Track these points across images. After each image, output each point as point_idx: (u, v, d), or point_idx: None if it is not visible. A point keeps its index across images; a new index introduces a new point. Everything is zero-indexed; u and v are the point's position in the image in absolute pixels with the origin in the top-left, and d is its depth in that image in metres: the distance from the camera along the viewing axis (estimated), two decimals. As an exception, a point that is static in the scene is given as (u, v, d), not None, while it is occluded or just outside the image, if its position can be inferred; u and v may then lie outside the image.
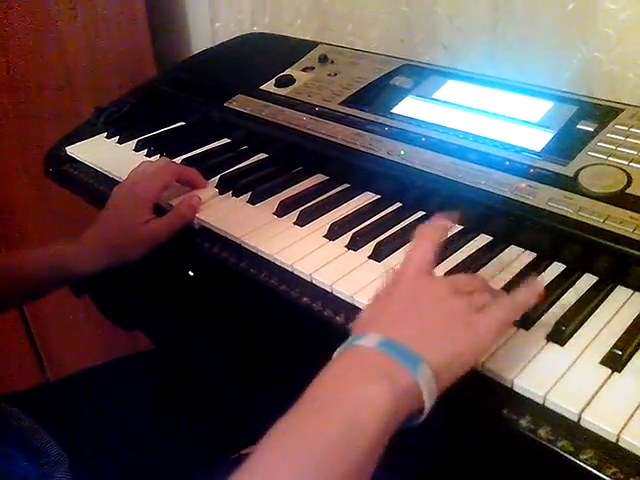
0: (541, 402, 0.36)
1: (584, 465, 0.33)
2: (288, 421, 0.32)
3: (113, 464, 0.57)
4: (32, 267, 0.58)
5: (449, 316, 0.36)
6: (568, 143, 0.53)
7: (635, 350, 0.39)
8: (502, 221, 0.50)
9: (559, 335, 0.40)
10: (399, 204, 0.56)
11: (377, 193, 0.58)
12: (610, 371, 0.37)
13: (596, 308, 0.43)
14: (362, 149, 0.59)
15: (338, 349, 0.35)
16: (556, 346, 0.40)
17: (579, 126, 0.54)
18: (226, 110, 0.71)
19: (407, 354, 0.33)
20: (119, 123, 0.77)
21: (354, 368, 0.34)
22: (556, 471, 0.36)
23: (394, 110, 0.63)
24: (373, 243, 0.50)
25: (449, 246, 0.49)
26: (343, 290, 0.46)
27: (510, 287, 0.44)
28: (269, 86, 0.72)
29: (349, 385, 0.33)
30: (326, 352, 0.51)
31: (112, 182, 0.64)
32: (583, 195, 0.47)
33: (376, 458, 0.31)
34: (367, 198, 0.58)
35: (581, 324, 0.41)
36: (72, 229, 0.61)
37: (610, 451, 0.34)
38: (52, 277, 0.59)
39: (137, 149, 0.72)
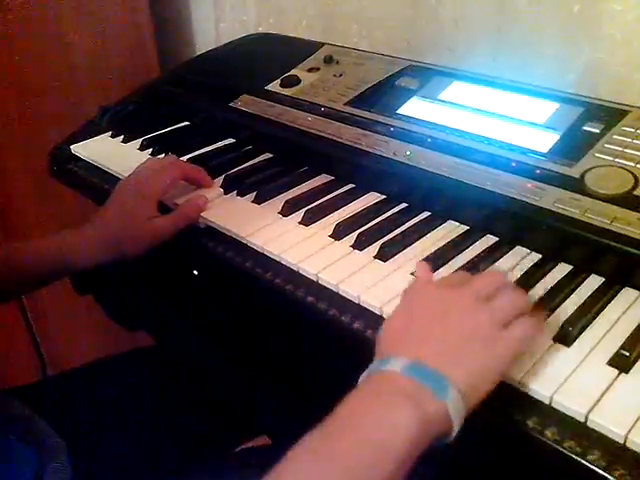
0: (548, 402, 0.36)
1: (591, 466, 0.33)
2: (312, 443, 0.32)
3: (112, 458, 0.57)
4: (31, 258, 0.58)
5: (474, 332, 0.36)
6: (574, 144, 0.53)
7: (642, 351, 0.39)
8: (508, 222, 0.50)
9: (566, 336, 0.40)
10: (405, 204, 0.56)
11: (383, 193, 0.58)
12: (617, 372, 0.37)
13: (603, 309, 0.43)
14: (368, 149, 0.59)
15: (365, 373, 0.35)
16: (563, 347, 0.40)
17: (585, 128, 0.54)
18: (231, 110, 0.71)
19: (435, 378, 0.33)
20: (124, 122, 0.77)
21: (381, 393, 0.33)
22: (563, 472, 0.35)
23: (400, 111, 0.63)
24: (378, 243, 0.50)
25: (455, 247, 0.50)
26: (348, 290, 0.46)
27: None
28: (274, 86, 0.72)
29: (376, 410, 0.33)
30: (330, 352, 0.51)
31: (117, 181, 0.64)
32: (590, 196, 0.47)
33: None
34: (373, 198, 0.58)
35: (588, 325, 0.41)
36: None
37: (618, 452, 0.33)
38: (51, 269, 0.59)
39: (142, 148, 0.72)
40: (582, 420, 0.35)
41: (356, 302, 0.45)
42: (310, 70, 0.74)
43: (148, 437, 0.60)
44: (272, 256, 0.51)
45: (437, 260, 0.48)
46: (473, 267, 0.47)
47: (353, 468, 0.31)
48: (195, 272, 0.60)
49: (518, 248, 0.50)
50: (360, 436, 0.32)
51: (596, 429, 0.34)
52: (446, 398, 0.33)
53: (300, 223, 0.55)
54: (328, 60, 0.74)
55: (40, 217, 1.02)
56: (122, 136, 0.75)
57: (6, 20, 0.90)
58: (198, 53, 1.04)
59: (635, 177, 0.48)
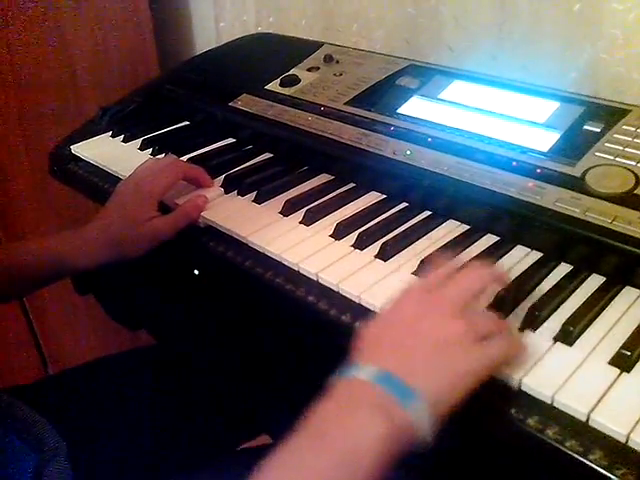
0: (549, 402, 0.36)
1: (593, 465, 0.33)
2: (282, 456, 0.32)
3: (112, 458, 0.57)
4: (32, 259, 0.58)
5: (448, 342, 0.36)
6: (575, 144, 0.53)
7: (644, 350, 0.39)
8: (509, 221, 0.50)
9: (567, 336, 0.40)
10: (405, 204, 0.56)
11: (383, 193, 0.58)
12: (619, 371, 0.37)
13: (604, 309, 0.43)
14: (368, 149, 0.59)
15: (336, 376, 0.35)
16: (564, 346, 0.40)
17: (586, 127, 0.54)
18: (231, 110, 0.71)
19: (401, 388, 0.33)
20: (124, 122, 0.77)
21: (349, 401, 0.34)
22: (564, 472, 0.35)
23: (400, 110, 0.63)
24: (379, 243, 0.50)
25: (456, 246, 0.49)
26: (349, 289, 0.46)
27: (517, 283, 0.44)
28: (274, 86, 0.72)
29: (344, 418, 0.33)
30: (331, 352, 0.51)
31: (117, 181, 0.64)
32: (591, 195, 0.47)
33: None
34: (373, 198, 0.58)
35: (589, 325, 0.41)
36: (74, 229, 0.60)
37: (619, 451, 0.33)
38: (52, 269, 0.58)
39: (142, 148, 0.72)
40: (584, 419, 0.35)
41: (357, 302, 0.45)
42: (310, 69, 0.74)
43: (149, 437, 0.60)
44: (272, 256, 0.51)
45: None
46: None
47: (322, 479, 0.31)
48: (196, 272, 0.59)
49: (519, 247, 0.50)
50: (328, 448, 0.32)
51: (598, 428, 0.34)
52: (411, 409, 0.33)
53: (300, 223, 0.55)
54: (328, 59, 0.74)
55: (40, 217, 1.02)
56: (122, 136, 0.75)
57: (6, 19, 0.90)
58: (198, 52, 1.04)
59: (636, 176, 0.48)
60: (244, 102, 0.71)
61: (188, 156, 0.68)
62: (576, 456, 0.34)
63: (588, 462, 0.33)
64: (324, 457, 0.31)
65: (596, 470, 0.33)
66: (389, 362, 0.35)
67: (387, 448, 0.32)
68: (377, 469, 0.31)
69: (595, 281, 0.45)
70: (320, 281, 0.48)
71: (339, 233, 0.52)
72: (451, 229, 0.52)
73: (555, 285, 0.45)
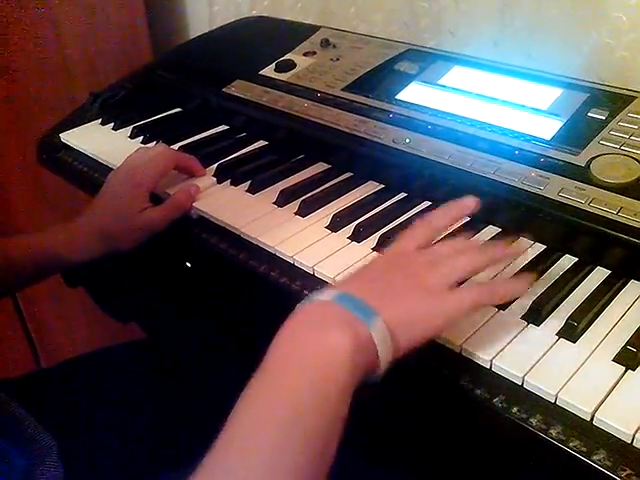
0: (553, 401, 0.35)
1: (597, 466, 0.32)
2: (253, 391, 0.32)
3: (105, 452, 0.56)
4: (24, 254, 0.57)
5: (416, 285, 0.37)
6: (579, 131, 0.51)
7: (650, 347, 0.37)
8: (511, 212, 0.49)
9: (571, 331, 0.39)
10: (404, 194, 0.55)
11: (381, 182, 0.57)
12: (624, 369, 0.36)
13: (609, 303, 0.41)
14: (366, 136, 0.57)
15: (298, 305, 0.36)
16: (568, 343, 0.38)
17: (590, 114, 0.52)
18: (224, 96, 0.69)
19: (362, 306, 0.34)
20: (114, 109, 0.75)
21: (312, 320, 0.35)
22: (568, 472, 0.34)
23: (399, 96, 0.61)
24: (377, 234, 0.49)
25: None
26: (346, 283, 0.45)
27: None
28: (269, 71, 0.70)
29: (309, 337, 0.33)
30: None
31: (107, 170, 0.62)
32: (595, 185, 0.46)
33: (344, 411, 0.32)
34: (371, 188, 0.56)
35: (593, 320, 0.40)
36: (67, 219, 0.59)
37: (624, 451, 0.32)
38: (44, 264, 0.57)
39: (133, 136, 0.70)
40: (588, 419, 0.34)
41: (354, 296, 0.44)
42: (306, 54, 0.72)
43: (142, 432, 0.59)
44: (267, 248, 0.50)
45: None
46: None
47: (300, 400, 0.31)
48: (188, 264, 0.58)
49: (522, 239, 0.48)
50: (302, 365, 0.32)
51: (602, 428, 0.34)
52: (371, 326, 0.33)
53: (296, 214, 0.53)
54: (325, 44, 0.72)
55: (32, 206, 1.01)
56: (113, 123, 0.73)
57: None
58: (191, 37, 1.01)
59: (642, 166, 0.47)
60: (238, 88, 0.69)
61: (180, 144, 0.66)
62: (579, 456, 0.33)
63: (592, 462, 0.33)
64: (297, 376, 0.32)
65: (600, 471, 0.32)
66: (353, 288, 0.36)
67: (354, 361, 0.32)
68: (346, 387, 0.32)
69: (600, 274, 0.44)
70: (316, 274, 0.46)
71: (336, 225, 0.51)
72: (451, 220, 0.51)
73: (558, 278, 0.44)
